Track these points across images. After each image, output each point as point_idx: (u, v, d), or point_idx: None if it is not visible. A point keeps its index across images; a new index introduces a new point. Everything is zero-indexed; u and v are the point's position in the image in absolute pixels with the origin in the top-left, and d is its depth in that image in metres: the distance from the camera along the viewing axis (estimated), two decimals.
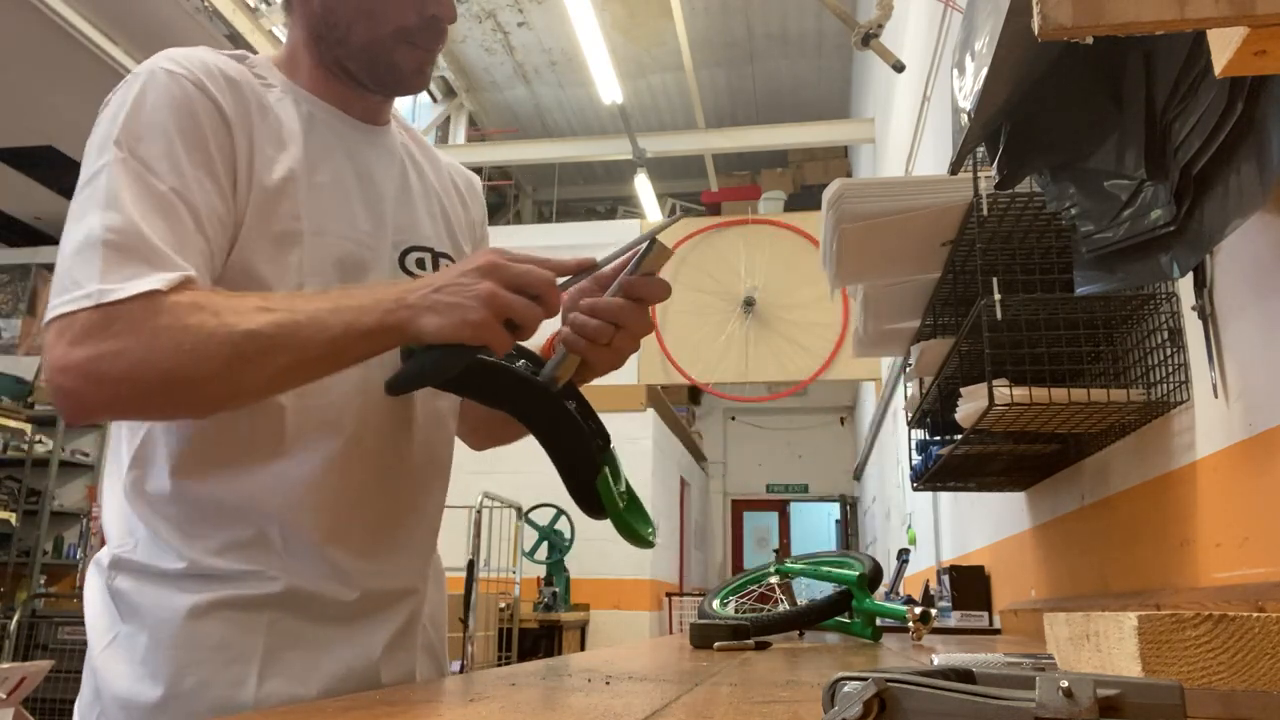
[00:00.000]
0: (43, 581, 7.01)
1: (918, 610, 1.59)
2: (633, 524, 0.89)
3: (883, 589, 2.84)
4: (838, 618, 1.61)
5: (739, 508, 11.91)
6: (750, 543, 11.88)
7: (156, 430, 0.87)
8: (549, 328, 0.90)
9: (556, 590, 6.35)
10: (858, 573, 1.57)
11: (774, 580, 1.77)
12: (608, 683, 0.75)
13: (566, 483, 0.89)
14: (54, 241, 8.16)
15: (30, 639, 5.66)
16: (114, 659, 0.84)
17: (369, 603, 0.90)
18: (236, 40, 5.37)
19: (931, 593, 3.05)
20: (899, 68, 3.49)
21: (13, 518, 6.94)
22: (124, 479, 0.89)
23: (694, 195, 9.74)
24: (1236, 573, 1.27)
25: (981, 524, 3.09)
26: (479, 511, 5.17)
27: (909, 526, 4.86)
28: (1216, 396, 1.33)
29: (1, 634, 5.57)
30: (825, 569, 1.66)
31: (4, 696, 2.24)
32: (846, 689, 0.39)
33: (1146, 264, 1.16)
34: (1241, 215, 0.96)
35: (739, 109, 9.20)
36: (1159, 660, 0.53)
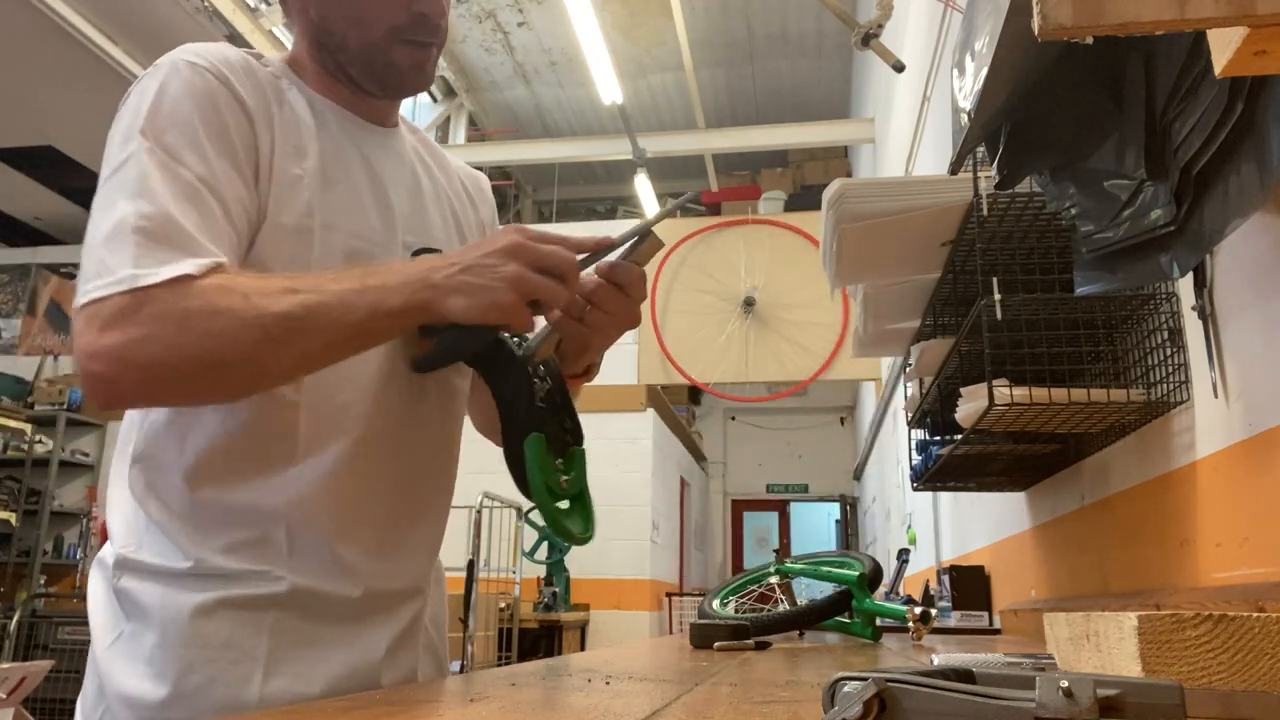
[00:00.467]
0: (43, 581, 7.01)
1: (918, 610, 1.59)
2: (560, 513, 0.88)
3: (883, 589, 2.84)
4: (838, 618, 1.61)
5: (739, 508, 11.91)
6: (750, 543, 11.87)
7: (163, 429, 0.87)
8: None
9: (556, 590, 6.35)
10: (858, 573, 1.57)
11: (774, 580, 1.77)
12: (608, 683, 0.75)
13: (505, 452, 0.89)
14: (54, 241, 8.16)
15: (30, 639, 5.67)
16: (119, 657, 0.84)
17: (373, 601, 0.90)
18: (236, 40, 5.37)
19: (931, 593, 3.05)
20: (899, 68, 3.49)
21: (13, 518, 6.94)
22: (130, 478, 0.89)
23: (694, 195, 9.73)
24: (1236, 573, 1.27)
25: (981, 524, 3.09)
26: (479, 511, 5.17)
27: (909, 526, 4.86)
28: (1216, 396, 1.33)
29: (1, 634, 5.57)
30: (825, 569, 1.66)
31: (4, 696, 2.24)
32: (846, 689, 0.39)
33: (1146, 264, 1.16)
34: (1241, 215, 0.96)
35: (739, 109, 9.20)
36: (1159, 660, 0.53)
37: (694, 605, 6.18)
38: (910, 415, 2.43)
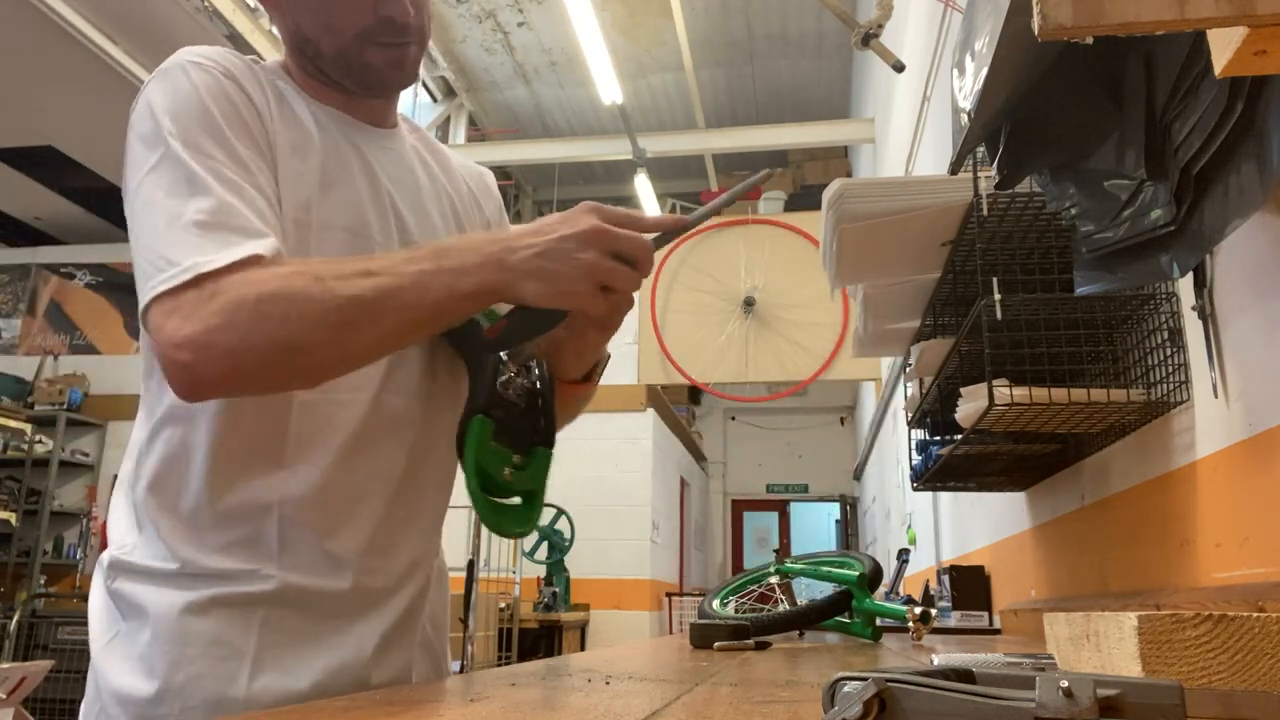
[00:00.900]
0: (43, 581, 7.01)
1: (918, 610, 1.59)
2: (484, 500, 0.87)
3: (883, 589, 2.84)
4: (838, 618, 1.61)
5: (739, 508, 11.91)
6: (750, 543, 11.87)
7: (162, 430, 0.88)
8: None
9: (556, 590, 6.35)
10: (858, 573, 1.57)
11: (774, 580, 1.77)
12: (608, 683, 0.75)
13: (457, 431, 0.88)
14: (54, 241, 8.16)
15: (30, 639, 5.67)
16: (112, 655, 0.85)
17: (363, 597, 0.90)
18: (236, 40, 5.37)
19: (931, 593, 3.05)
20: (899, 68, 3.49)
21: (13, 518, 6.94)
22: (128, 481, 0.90)
23: (694, 195, 9.74)
24: (1236, 573, 1.27)
25: (981, 524, 3.09)
26: None
27: (909, 526, 4.86)
28: (1216, 396, 1.33)
29: (1, 634, 5.57)
30: (825, 569, 1.66)
31: (4, 696, 2.24)
32: (846, 689, 0.39)
33: (1146, 264, 1.16)
34: (1241, 215, 0.96)
35: (739, 109, 9.19)
36: (1159, 660, 0.53)
37: (694, 605, 6.18)
38: (910, 415, 2.43)
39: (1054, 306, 1.55)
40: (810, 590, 1.86)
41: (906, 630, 1.61)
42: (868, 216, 1.81)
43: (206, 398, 0.80)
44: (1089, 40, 0.63)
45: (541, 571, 6.46)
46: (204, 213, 0.77)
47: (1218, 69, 0.67)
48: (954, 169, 1.40)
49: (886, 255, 1.97)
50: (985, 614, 2.58)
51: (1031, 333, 1.55)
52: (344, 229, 0.92)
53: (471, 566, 4.98)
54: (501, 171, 9.95)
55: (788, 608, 1.68)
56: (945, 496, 3.81)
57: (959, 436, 1.98)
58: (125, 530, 0.89)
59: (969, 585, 2.64)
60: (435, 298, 0.76)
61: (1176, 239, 1.08)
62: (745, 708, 0.58)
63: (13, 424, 7.01)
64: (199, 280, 0.74)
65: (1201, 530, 1.39)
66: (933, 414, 2.28)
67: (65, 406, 7.35)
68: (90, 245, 7.99)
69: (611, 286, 0.77)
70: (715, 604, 1.76)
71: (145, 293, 0.76)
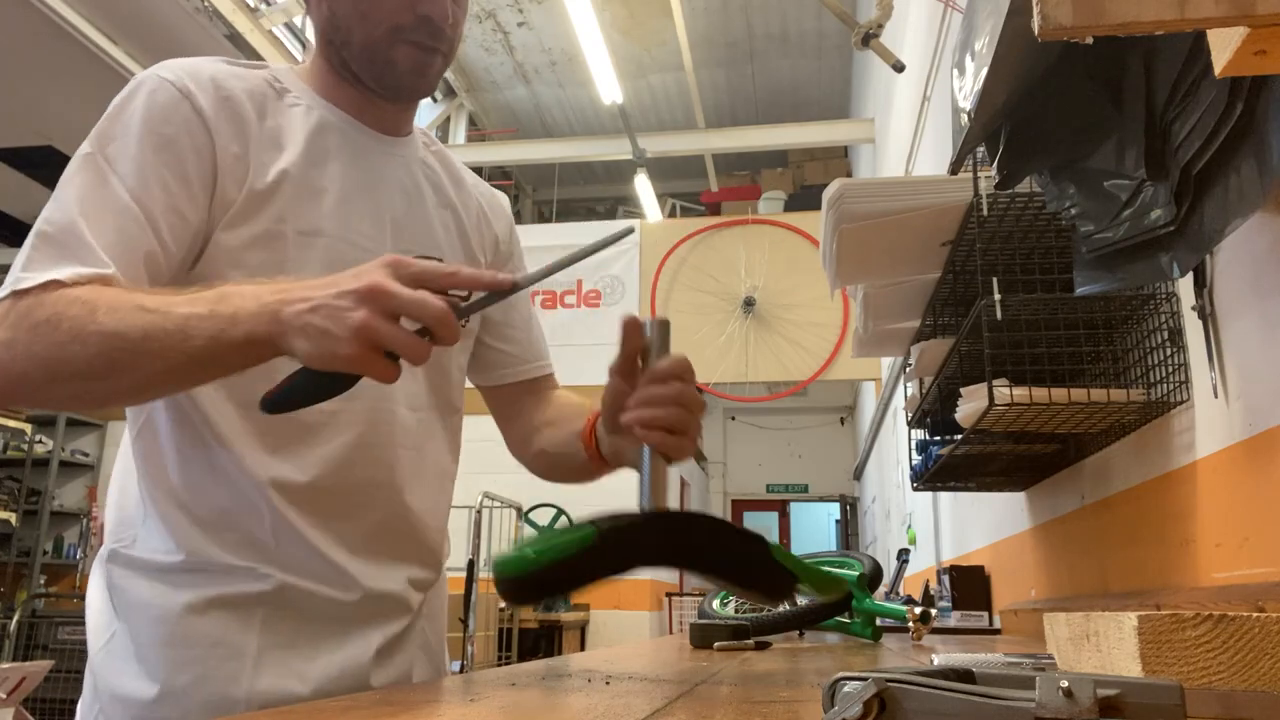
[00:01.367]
0: (43, 581, 7.01)
1: (918, 610, 1.59)
2: (823, 575, 0.84)
3: (883, 589, 2.84)
4: (838, 618, 1.60)
5: (739, 508, 11.91)
6: None
7: (160, 423, 0.88)
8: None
9: None
10: (858, 573, 1.57)
11: None
12: (608, 683, 0.75)
13: (745, 589, 0.81)
14: None
15: (30, 639, 5.67)
16: (111, 655, 0.85)
17: (365, 604, 0.91)
18: (236, 40, 5.37)
19: (931, 593, 3.05)
20: (899, 68, 3.49)
21: (13, 518, 6.94)
22: (126, 472, 0.90)
23: (694, 195, 9.74)
24: (1236, 573, 1.27)
25: (981, 524, 3.09)
26: (479, 511, 5.17)
27: (909, 526, 4.86)
28: (1216, 396, 1.33)
29: (1, 634, 5.57)
30: (825, 569, 1.66)
31: (4, 696, 2.24)
32: (846, 689, 0.39)
33: (1146, 264, 1.16)
34: (1241, 215, 0.96)
35: (739, 109, 9.20)
36: (1159, 660, 0.53)
37: (694, 605, 6.17)
38: (910, 415, 2.43)
39: (1054, 306, 1.55)
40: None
41: (906, 630, 1.61)
42: (868, 216, 1.81)
43: (4, 407, 0.82)
44: (1089, 40, 0.63)
45: None
46: (51, 225, 0.79)
47: (1218, 69, 0.67)
48: (954, 169, 1.40)
49: (886, 255, 1.97)
50: (985, 614, 2.58)
51: (1031, 333, 1.55)
52: (332, 236, 0.91)
53: (471, 566, 4.98)
54: (501, 171, 9.95)
55: (788, 608, 1.68)
56: (945, 496, 3.81)
57: (959, 436, 1.98)
58: (126, 521, 0.89)
59: (969, 585, 2.64)
60: (198, 344, 0.72)
61: (1176, 239, 1.08)
62: (745, 708, 0.58)
63: (13, 424, 7.00)
64: (10, 296, 0.76)
65: (1201, 530, 1.39)
66: (933, 414, 2.28)
67: None
68: None
69: (383, 347, 0.68)
70: (715, 604, 1.76)
71: None
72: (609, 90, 6.83)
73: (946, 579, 2.68)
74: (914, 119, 4.09)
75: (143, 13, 4.87)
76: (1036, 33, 0.62)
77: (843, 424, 11.64)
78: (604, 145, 8.23)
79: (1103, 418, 1.60)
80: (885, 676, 0.39)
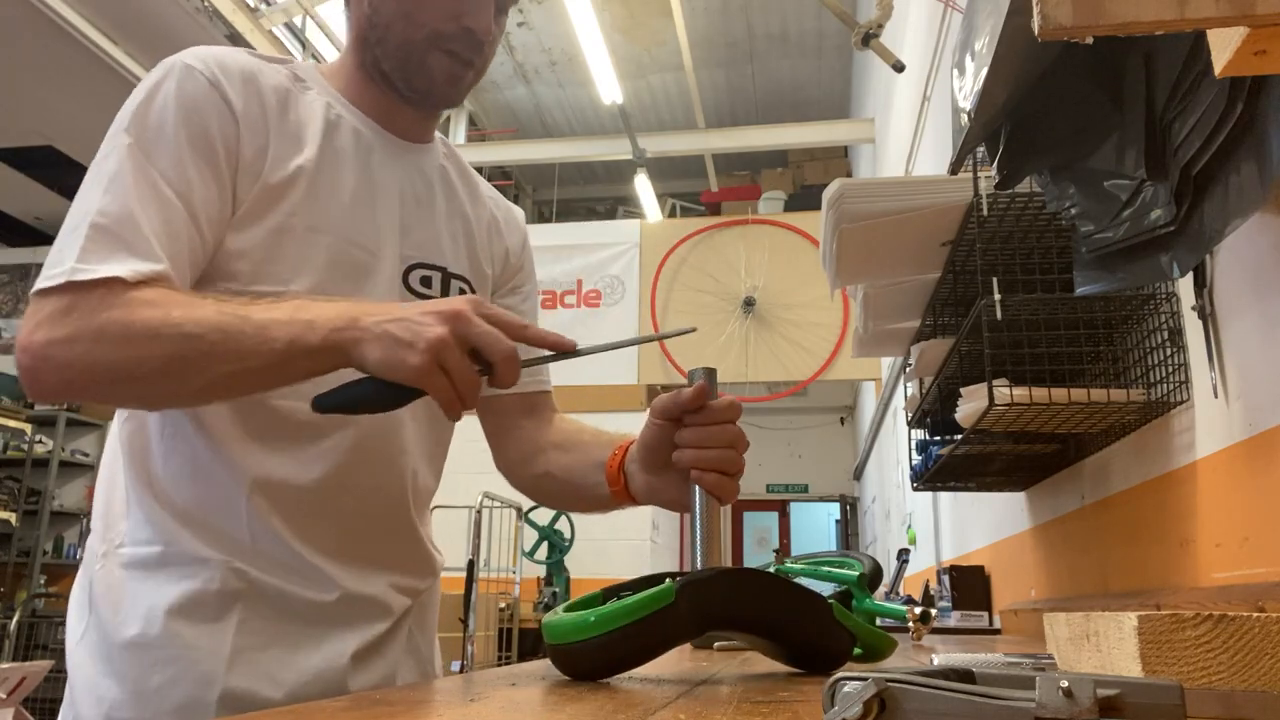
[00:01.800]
0: (43, 581, 7.01)
1: (918, 610, 1.59)
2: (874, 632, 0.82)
3: (883, 589, 2.84)
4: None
5: (739, 508, 11.90)
6: (750, 543, 11.87)
7: (149, 418, 0.88)
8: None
9: (556, 590, 6.35)
10: (858, 573, 1.57)
11: None
12: (608, 683, 0.75)
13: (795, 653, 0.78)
14: (54, 241, 8.16)
15: (30, 639, 5.67)
16: (85, 654, 0.85)
17: (343, 606, 0.90)
18: (236, 40, 5.37)
19: (931, 593, 3.05)
20: (899, 68, 3.49)
21: (13, 518, 6.94)
22: (113, 461, 0.91)
23: (694, 195, 9.74)
24: (1236, 573, 1.27)
25: (981, 524, 3.09)
26: (479, 511, 5.17)
27: (909, 526, 4.86)
28: (1216, 396, 1.33)
29: (1, 634, 5.57)
30: (825, 569, 1.65)
31: (4, 696, 2.24)
32: (846, 689, 0.39)
33: (1146, 264, 1.16)
34: (1241, 215, 0.96)
35: (739, 109, 9.20)
36: (1159, 660, 0.53)
37: None
38: (910, 415, 2.43)
39: (1054, 306, 1.55)
40: None
41: (906, 630, 1.61)
42: (868, 216, 1.81)
43: (47, 401, 0.83)
44: (1089, 40, 0.63)
45: (541, 571, 6.47)
46: (106, 216, 0.78)
47: (1218, 69, 0.67)
48: (954, 169, 1.40)
49: (886, 255, 1.97)
50: (985, 614, 2.58)
51: (1031, 333, 1.55)
52: (336, 235, 0.91)
53: (471, 566, 4.98)
54: (501, 171, 9.96)
55: None
56: (945, 496, 3.81)
57: (959, 436, 1.98)
58: (109, 511, 0.90)
59: (969, 585, 2.64)
60: (275, 348, 0.73)
61: (1176, 239, 1.08)
62: (745, 708, 0.58)
63: (13, 424, 7.00)
64: (68, 288, 0.75)
65: (1201, 530, 1.39)
66: (933, 414, 2.28)
67: (65, 406, 7.35)
68: None
69: (447, 371, 0.71)
70: None
71: (38, 281, 0.78)
72: (609, 90, 6.83)
73: (946, 579, 2.68)
74: (914, 119, 4.09)
75: (143, 13, 4.87)
76: (1036, 33, 0.62)
77: (843, 424, 11.64)
78: (604, 145, 8.23)
79: (1103, 418, 1.60)
80: (885, 676, 0.39)
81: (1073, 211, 1.24)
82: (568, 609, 0.73)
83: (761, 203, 8.23)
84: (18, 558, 7.01)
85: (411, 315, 0.72)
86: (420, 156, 1.02)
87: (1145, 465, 1.63)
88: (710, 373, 0.86)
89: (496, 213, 1.12)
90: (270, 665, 0.85)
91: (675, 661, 1.03)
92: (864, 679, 0.39)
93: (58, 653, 5.20)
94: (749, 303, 7.34)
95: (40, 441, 7.18)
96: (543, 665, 0.86)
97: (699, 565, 0.79)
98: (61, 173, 6.63)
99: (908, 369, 2.30)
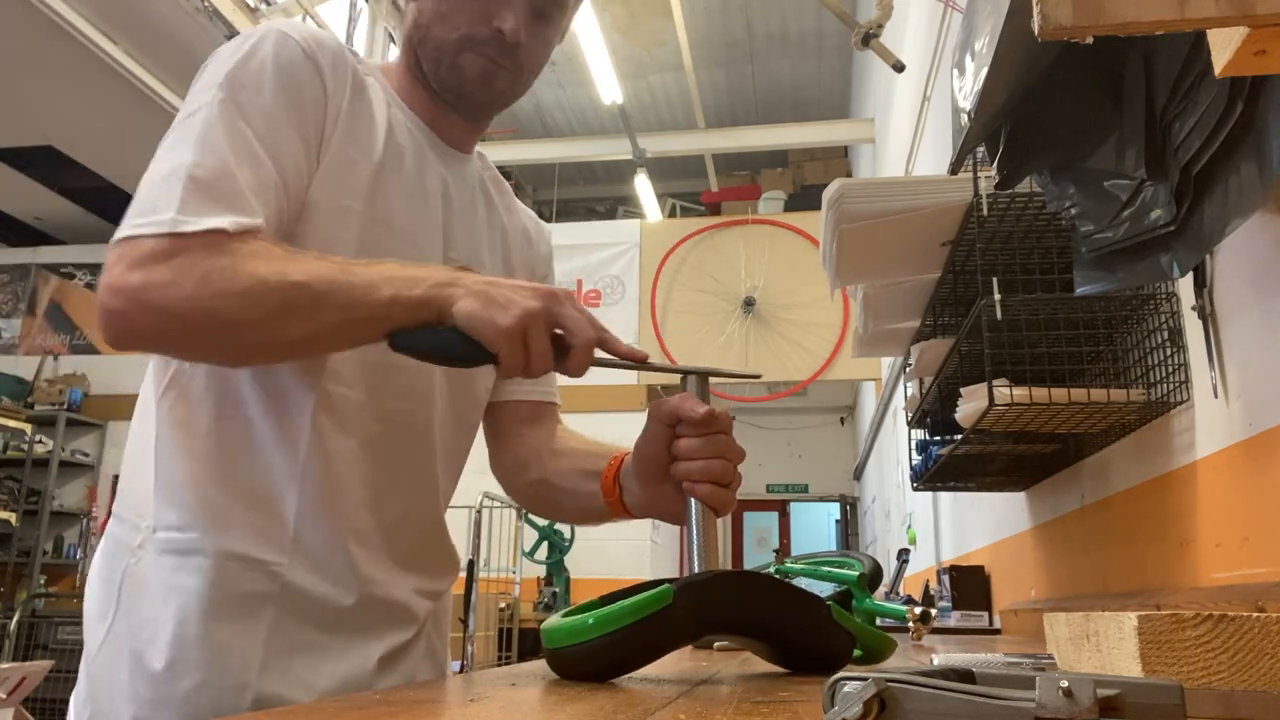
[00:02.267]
0: (43, 581, 7.01)
1: (918, 610, 1.59)
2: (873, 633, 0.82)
3: (883, 589, 2.84)
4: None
5: (739, 508, 11.89)
6: (750, 543, 11.87)
7: (194, 390, 0.86)
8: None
9: (556, 590, 6.35)
10: (858, 573, 1.57)
11: None
12: (608, 683, 0.75)
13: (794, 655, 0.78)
14: (54, 241, 8.16)
15: (30, 639, 5.67)
16: (111, 655, 0.84)
17: (372, 611, 0.90)
18: None
19: (931, 593, 3.05)
20: (899, 68, 3.49)
21: (13, 518, 6.94)
22: (143, 441, 0.88)
23: (694, 195, 9.74)
24: (1236, 573, 1.27)
25: (981, 524, 3.09)
26: (479, 511, 5.17)
27: (909, 526, 4.86)
28: (1216, 396, 1.33)
29: (1, 634, 5.57)
30: (825, 569, 1.65)
31: (4, 696, 2.24)
32: (846, 689, 0.39)
33: (1146, 264, 1.16)
34: (1241, 215, 0.96)
35: (739, 109, 9.19)
36: (1159, 660, 0.53)
37: None
38: (910, 415, 2.43)
39: (1054, 306, 1.55)
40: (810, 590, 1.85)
41: (906, 630, 1.61)
42: (868, 216, 1.81)
43: (129, 350, 0.80)
44: (1089, 40, 0.63)
45: (541, 571, 6.47)
46: (204, 170, 0.78)
47: (1218, 69, 0.67)
48: (954, 169, 1.40)
49: (886, 255, 1.97)
50: (985, 614, 2.58)
51: (1031, 333, 1.55)
52: (389, 227, 0.92)
53: (471, 566, 4.98)
54: (502, 171, 9.94)
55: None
56: (945, 496, 3.81)
57: (959, 436, 1.98)
58: (141, 502, 0.86)
59: (969, 585, 2.64)
60: (379, 299, 0.75)
61: (1176, 239, 1.08)
62: (745, 708, 0.58)
63: (13, 424, 7.00)
64: (169, 237, 0.75)
65: (1201, 530, 1.39)
66: (933, 414, 2.28)
67: (65, 406, 7.35)
68: (90, 245, 7.99)
69: (528, 340, 0.74)
70: None
71: (121, 228, 0.76)
72: (609, 90, 6.83)
73: (946, 579, 2.69)
74: (914, 119, 4.09)
75: (143, 13, 4.87)
76: (1036, 33, 0.62)
77: (843, 424, 11.64)
78: (604, 145, 8.24)
79: (1103, 418, 1.60)
80: (885, 676, 0.39)
81: (1073, 211, 1.24)
82: (565, 615, 0.73)
83: (761, 203, 8.23)
84: (18, 558, 7.01)
85: (511, 284, 0.76)
86: (462, 165, 1.04)
87: (1145, 465, 1.63)
88: (701, 379, 0.86)
89: (529, 226, 1.15)
90: (300, 669, 0.84)
91: (675, 661, 1.03)
92: (864, 679, 0.39)
93: (58, 653, 5.20)
94: (749, 303, 7.34)
95: (40, 441, 7.18)
96: (543, 665, 0.86)
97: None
98: (61, 173, 6.62)
99: (908, 369, 2.30)
